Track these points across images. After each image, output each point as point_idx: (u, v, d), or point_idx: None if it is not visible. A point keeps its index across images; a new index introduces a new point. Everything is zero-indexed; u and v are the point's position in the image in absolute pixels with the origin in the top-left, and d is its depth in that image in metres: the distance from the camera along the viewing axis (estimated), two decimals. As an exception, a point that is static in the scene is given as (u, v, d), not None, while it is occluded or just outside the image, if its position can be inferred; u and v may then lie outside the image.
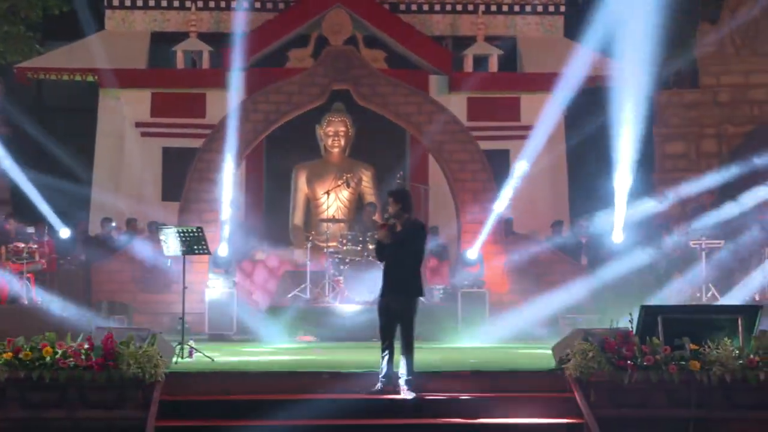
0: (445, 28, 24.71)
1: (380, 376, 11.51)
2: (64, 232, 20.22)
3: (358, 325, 17.97)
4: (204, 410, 11.11)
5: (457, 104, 22.61)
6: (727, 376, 11.09)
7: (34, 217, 19.87)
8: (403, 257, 11.54)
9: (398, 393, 11.33)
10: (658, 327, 11.46)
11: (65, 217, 20.41)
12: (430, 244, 20.92)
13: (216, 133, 20.66)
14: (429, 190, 22.08)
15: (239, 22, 23.65)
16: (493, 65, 23.89)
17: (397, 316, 11.50)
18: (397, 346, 11.53)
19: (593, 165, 23.52)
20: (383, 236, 11.51)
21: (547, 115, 23.46)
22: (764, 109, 23.37)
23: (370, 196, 22.63)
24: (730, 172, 21.66)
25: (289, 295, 19.35)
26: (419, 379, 11.55)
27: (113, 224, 21.59)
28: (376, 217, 20.20)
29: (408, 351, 11.45)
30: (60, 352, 11.09)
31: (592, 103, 23.98)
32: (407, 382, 11.39)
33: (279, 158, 23.44)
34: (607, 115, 23.42)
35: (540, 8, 24.78)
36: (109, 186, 23.07)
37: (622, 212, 20.56)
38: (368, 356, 13.43)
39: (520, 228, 21.67)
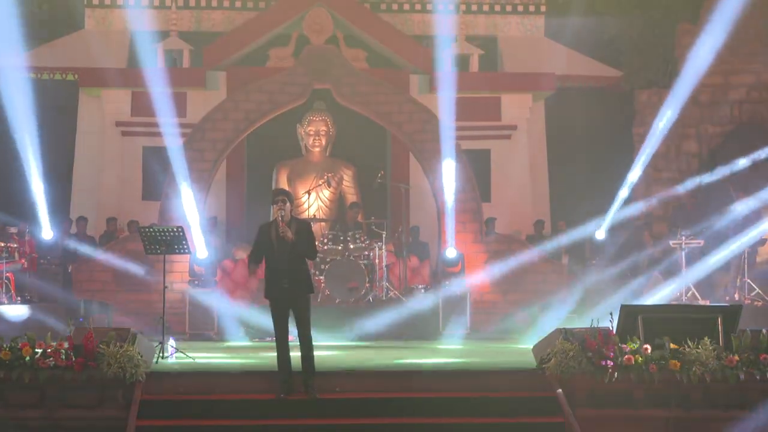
0: (426, 28, 24.69)
1: (285, 380, 11.47)
2: (46, 232, 20.19)
3: (338, 325, 17.96)
4: (185, 410, 11.10)
5: (437, 104, 22.58)
6: (707, 375, 11.13)
7: (19, 216, 19.85)
8: (300, 256, 11.58)
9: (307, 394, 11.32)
10: (638, 326, 11.50)
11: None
12: (410, 244, 21.03)
13: (196, 132, 20.64)
14: (410, 190, 22.06)
15: (220, 20, 23.68)
16: (474, 65, 23.90)
17: (296, 314, 11.52)
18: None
19: (574, 164, 23.57)
20: (289, 234, 11.49)
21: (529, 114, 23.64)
22: (744, 109, 23.45)
23: (351, 195, 22.63)
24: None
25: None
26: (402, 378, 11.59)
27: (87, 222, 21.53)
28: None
29: (311, 351, 11.44)
30: (40, 351, 11.06)
31: (572, 102, 24.06)
32: (311, 382, 11.37)
33: (260, 157, 23.42)
34: (589, 114, 23.59)
35: (521, 8, 24.80)
36: (89, 185, 22.99)
37: (602, 211, 20.75)
38: (353, 355, 13.44)
39: (501, 228, 21.70)
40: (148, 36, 23.93)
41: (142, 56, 23.76)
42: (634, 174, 21.63)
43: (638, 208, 22.31)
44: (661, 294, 18.88)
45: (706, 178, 22.21)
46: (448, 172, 20.27)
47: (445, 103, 21.50)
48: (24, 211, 20.33)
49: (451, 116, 20.90)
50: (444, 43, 22.98)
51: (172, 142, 20.52)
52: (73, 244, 20.77)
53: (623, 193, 21.43)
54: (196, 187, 20.06)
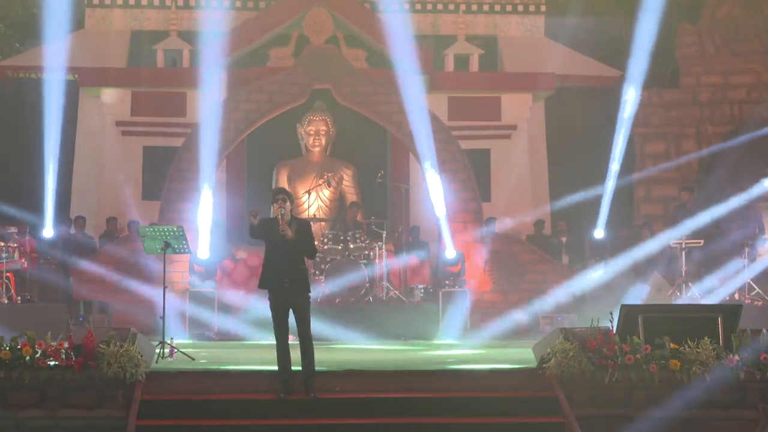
0: (426, 28, 24.68)
1: (285, 380, 11.46)
2: (48, 230, 20.22)
3: (339, 325, 17.96)
4: (184, 410, 11.10)
5: (437, 103, 22.60)
6: (707, 375, 11.13)
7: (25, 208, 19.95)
8: (299, 255, 11.58)
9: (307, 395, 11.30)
10: (638, 326, 11.50)
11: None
12: (410, 243, 21.03)
13: (196, 132, 20.62)
14: (409, 190, 22.04)
15: (220, 20, 23.63)
16: (474, 65, 23.89)
17: (296, 314, 11.51)
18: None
19: (574, 164, 23.58)
20: (288, 232, 11.47)
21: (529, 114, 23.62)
22: (744, 109, 23.45)
23: (351, 195, 22.61)
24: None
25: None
26: (405, 378, 11.60)
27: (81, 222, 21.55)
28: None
29: (311, 351, 11.42)
30: (40, 351, 11.05)
31: (572, 102, 24.06)
32: (311, 382, 11.34)
33: (260, 157, 23.40)
34: (588, 114, 23.57)
35: (521, 8, 24.79)
36: (89, 185, 22.98)
37: (603, 210, 20.75)
38: (353, 356, 13.43)
39: (501, 227, 21.70)
40: (148, 36, 23.97)
41: (142, 56, 23.84)
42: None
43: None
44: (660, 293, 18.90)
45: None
46: (442, 173, 20.28)
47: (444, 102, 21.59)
48: (28, 207, 20.40)
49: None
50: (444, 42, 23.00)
51: (172, 142, 20.45)
52: (72, 244, 20.78)
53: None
54: (196, 187, 20.09)
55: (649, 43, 21.05)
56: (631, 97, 21.73)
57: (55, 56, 21.51)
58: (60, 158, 21.98)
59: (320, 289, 18.89)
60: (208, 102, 20.75)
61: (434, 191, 20.15)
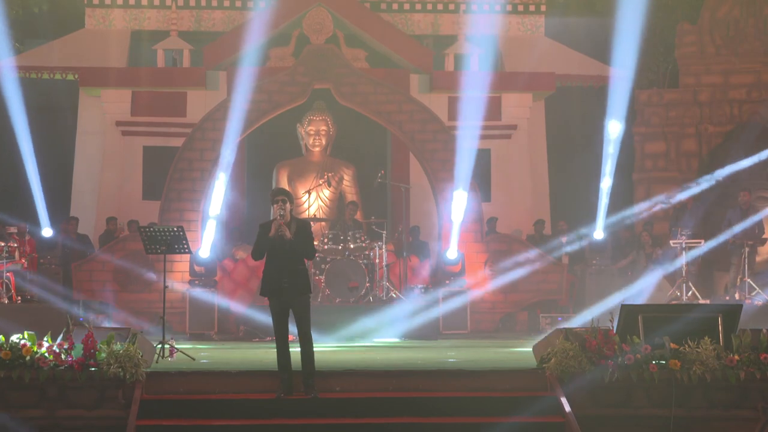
0: (427, 27, 24.69)
1: (285, 380, 11.45)
2: (46, 230, 20.22)
3: (338, 325, 17.96)
4: (185, 410, 11.09)
5: (437, 103, 22.60)
6: (707, 375, 11.12)
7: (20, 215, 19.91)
8: (298, 255, 11.56)
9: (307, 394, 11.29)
10: (638, 326, 11.49)
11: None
12: (410, 243, 21.02)
13: (196, 132, 20.62)
14: (410, 190, 22.04)
15: (220, 20, 23.66)
16: (474, 65, 23.89)
17: (296, 314, 11.50)
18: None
19: (574, 164, 23.58)
20: (287, 234, 11.47)
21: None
22: (744, 109, 23.46)
23: (351, 195, 22.62)
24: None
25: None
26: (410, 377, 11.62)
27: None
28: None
29: (311, 351, 11.42)
30: (40, 351, 11.05)
31: (572, 102, 24.07)
32: (311, 382, 11.33)
33: (260, 157, 23.41)
34: (588, 114, 23.58)
35: (521, 8, 24.79)
36: (89, 185, 22.98)
37: (603, 211, 20.76)
38: (353, 356, 13.42)
39: (501, 228, 21.70)
40: (148, 36, 23.97)
41: (142, 56, 23.84)
42: (606, 182, 21.58)
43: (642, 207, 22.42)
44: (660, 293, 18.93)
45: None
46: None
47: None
48: (25, 209, 20.38)
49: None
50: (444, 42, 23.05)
51: (172, 141, 20.37)
52: (71, 244, 20.79)
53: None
54: (197, 187, 20.12)
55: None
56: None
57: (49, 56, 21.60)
58: (59, 158, 21.98)
59: (320, 288, 18.90)
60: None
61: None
